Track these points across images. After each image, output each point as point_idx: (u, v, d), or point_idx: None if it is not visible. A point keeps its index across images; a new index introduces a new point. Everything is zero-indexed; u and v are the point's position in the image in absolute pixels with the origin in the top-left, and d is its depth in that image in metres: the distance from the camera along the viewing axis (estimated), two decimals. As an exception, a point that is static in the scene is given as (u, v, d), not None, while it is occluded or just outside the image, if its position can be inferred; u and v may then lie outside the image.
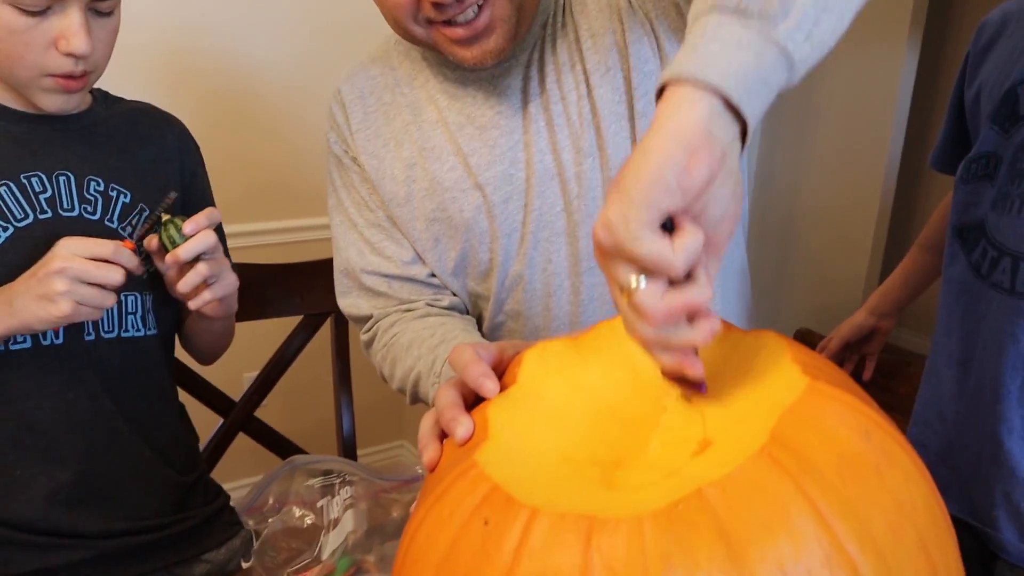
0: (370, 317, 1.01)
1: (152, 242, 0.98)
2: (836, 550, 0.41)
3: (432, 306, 0.98)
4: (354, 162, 0.99)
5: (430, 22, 0.81)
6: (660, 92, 0.51)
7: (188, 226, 0.95)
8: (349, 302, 1.03)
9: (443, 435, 0.58)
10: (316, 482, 0.95)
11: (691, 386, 0.52)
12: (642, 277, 0.47)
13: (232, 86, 2.02)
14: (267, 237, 2.13)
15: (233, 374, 1.84)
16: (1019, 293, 0.91)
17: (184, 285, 0.97)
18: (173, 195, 0.99)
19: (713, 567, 0.40)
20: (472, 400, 0.59)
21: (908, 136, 2.81)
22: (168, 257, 0.96)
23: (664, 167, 0.46)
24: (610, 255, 0.48)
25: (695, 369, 0.50)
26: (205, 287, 0.98)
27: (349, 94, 0.99)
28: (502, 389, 0.57)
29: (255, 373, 2.05)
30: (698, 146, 0.47)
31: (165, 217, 0.97)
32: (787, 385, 0.49)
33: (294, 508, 0.93)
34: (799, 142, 2.81)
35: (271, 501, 0.95)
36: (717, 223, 0.49)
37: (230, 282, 1.01)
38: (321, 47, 2.11)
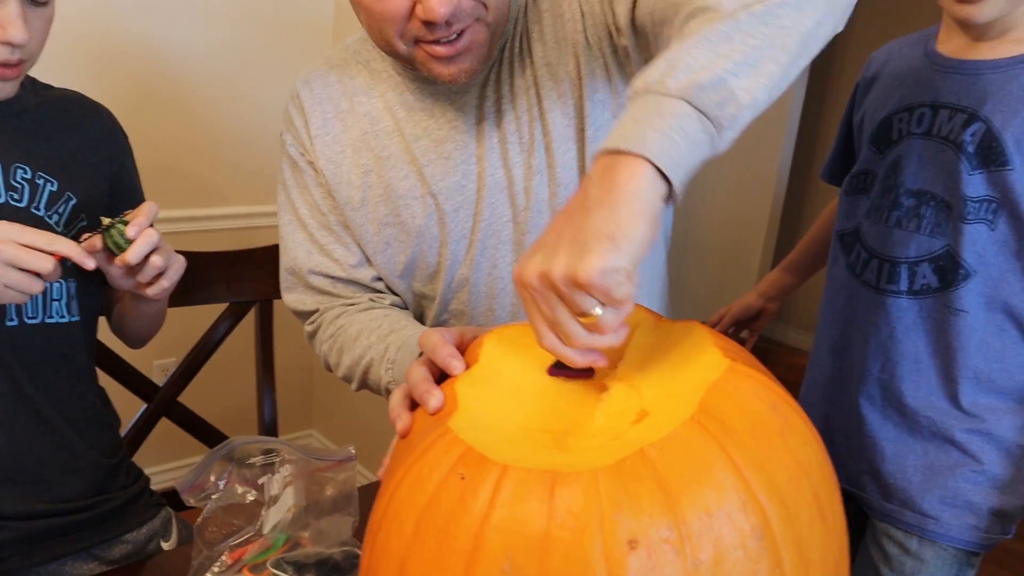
0: (315, 311, 1.05)
1: (96, 244, 0.98)
2: (750, 498, 0.51)
3: (374, 302, 1.03)
4: (310, 166, 1.03)
5: (415, 40, 0.85)
6: (609, 151, 0.60)
7: (131, 229, 0.96)
8: (294, 297, 1.07)
9: (412, 407, 0.66)
10: (257, 460, 0.99)
11: (581, 374, 0.64)
12: (599, 306, 0.57)
13: (155, 71, 2.00)
14: (192, 224, 2.12)
15: (144, 361, 1.84)
16: (882, 290, 1.06)
17: (144, 279, 0.99)
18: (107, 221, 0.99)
19: (655, 511, 0.49)
20: (438, 378, 0.66)
21: (797, 149, 3.02)
22: (117, 261, 0.97)
23: (646, 238, 0.57)
24: (582, 288, 0.56)
25: (599, 361, 0.61)
26: (160, 277, 1.00)
27: (308, 99, 1.02)
28: (466, 367, 0.65)
29: (168, 360, 2.04)
30: (656, 217, 0.58)
31: (106, 221, 0.97)
32: (710, 366, 0.58)
33: (236, 486, 0.97)
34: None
35: (212, 479, 0.99)
36: None
37: (179, 265, 1.03)
38: (243, 35, 2.11)
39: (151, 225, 0.99)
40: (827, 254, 1.22)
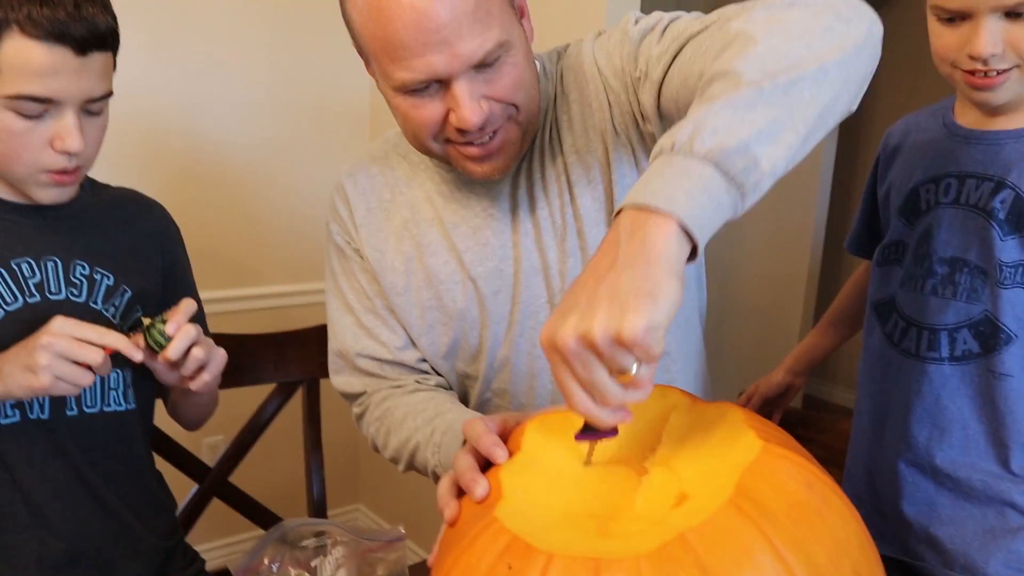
0: (362, 393, 1.09)
1: (139, 342, 1.01)
2: (790, 579, 0.52)
3: (420, 383, 1.07)
4: (356, 253, 1.07)
5: (448, 140, 0.90)
6: (637, 206, 0.62)
7: (170, 327, 1.00)
8: (342, 380, 1.11)
9: (459, 494, 0.68)
10: (310, 543, 1.02)
11: (607, 435, 0.65)
12: (636, 364, 0.59)
13: (201, 163, 2.10)
14: (235, 303, 2.19)
15: (193, 438, 1.89)
16: (923, 357, 1.06)
17: (187, 372, 1.02)
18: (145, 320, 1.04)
19: (697, 596, 0.51)
20: (483, 464, 0.69)
21: (831, 209, 3.03)
22: (159, 358, 1.01)
23: (678, 296, 0.58)
24: (624, 347, 0.57)
25: (627, 418, 0.62)
26: (202, 370, 1.04)
27: (352, 192, 1.07)
28: (509, 455, 0.67)
29: (216, 438, 2.09)
30: (682, 276, 0.60)
31: (147, 321, 1.01)
32: (745, 447, 0.60)
33: (290, 569, 1.00)
34: (730, 227, 3.01)
35: (266, 562, 1.01)
36: None
37: (220, 358, 1.06)
38: (282, 128, 2.21)
39: (191, 321, 1.02)
40: (861, 315, 1.22)
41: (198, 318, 1.07)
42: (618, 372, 0.59)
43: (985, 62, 0.93)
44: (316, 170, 2.27)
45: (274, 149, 2.20)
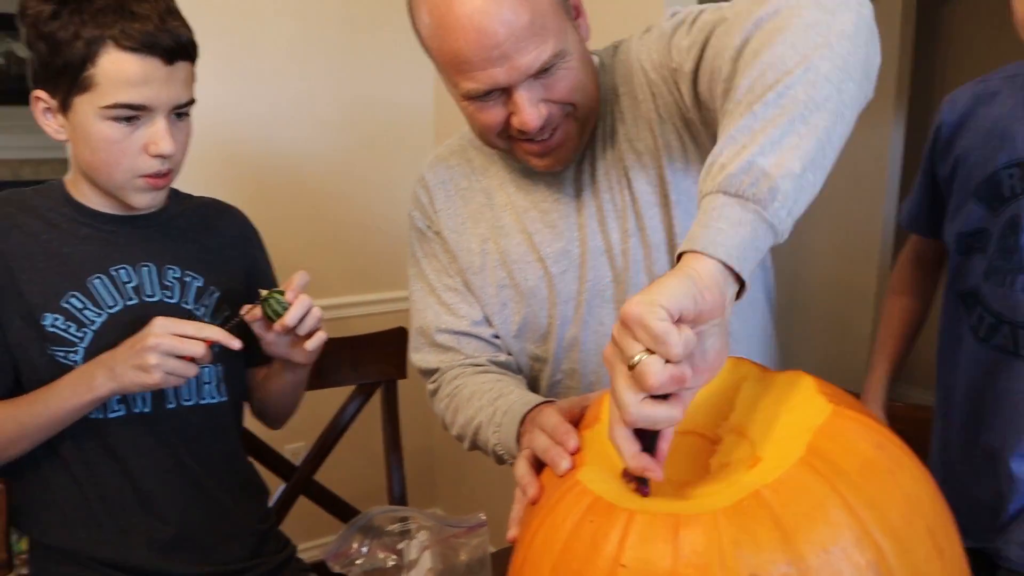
0: (437, 370, 1.15)
1: (256, 313, 1.10)
2: (864, 534, 0.54)
3: (493, 361, 1.12)
4: (437, 235, 1.15)
5: (511, 138, 0.98)
6: (679, 256, 0.66)
7: (289, 294, 1.09)
8: (420, 356, 1.17)
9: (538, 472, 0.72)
10: (395, 527, 1.06)
11: (640, 487, 0.63)
12: (645, 354, 0.59)
13: (272, 178, 2.19)
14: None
15: (276, 445, 1.96)
16: (1022, 356, 0.99)
17: (304, 331, 1.10)
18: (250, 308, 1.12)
19: (773, 548, 0.53)
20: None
21: (901, 200, 2.97)
22: (276, 326, 1.09)
23: (688, 287, 0.61)
24: (627, 327, 0.60)
25: (655, 472, 0.61)
26: (319, 329, 1.12)
27: (432, 181, 1.16)
28: (589, 425, 0.71)
29: (298, 445, 2.16)
30: (710, 286, 0.62)
31: (264, 293, 1.10)
32: (816, 411, 0.62)
33: (378, 552, 1.05)
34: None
35: (355, 546, 1.07)
36: (701, 359, 0.62)
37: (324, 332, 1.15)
38: (351, 141, 2.29)
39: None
40: (910, 348, 1.16)
41: None
42: (631, 368, 0.59)
43: None
44: (380, 183, 2.34)
45: (340, 164, 2.28)
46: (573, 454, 0.70)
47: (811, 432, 0.59)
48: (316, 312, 1.11)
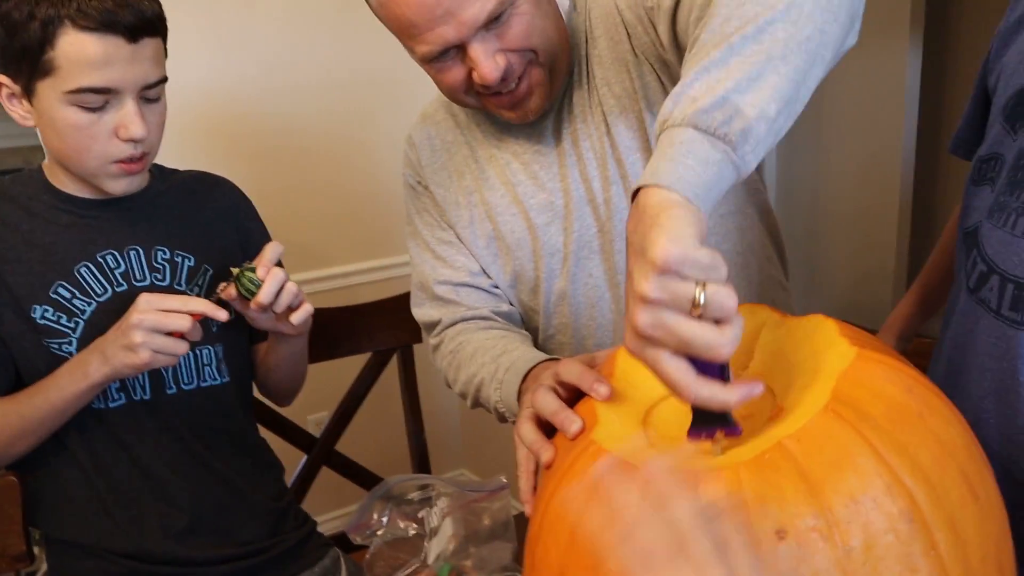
0: (439, 322, 1.13)
1: (231, 292, 1.07)
2: (894, 481, 0.52)
3: (496, 312, 1.10)
4: (426, 190, 1.14)
5: (479, 94, 0.96)
6: (638, 189, 0.63)
7: (260, 271, 1.06)
8: (422, 311, 1.16)
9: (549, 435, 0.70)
10: (416, 495, 1.05)
11: (730, 429, 0.57)
12: (700, 288, 0.55)
13: (275, 144, 2.16)
14: (307, 287, 2.25)
15: (299, 416, 1.96)
16: (1004, 317, 0.78)
17: (280, 308, 1.08)
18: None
19: (799, 500, 0.51)
20: (569, 400, 0.70)
21: (920, 129, 2.90)
22: (252, 304, 1.07)
23: (689, 216, 0.58)
24: (670, 271, 0.55)
25: (746, 390, 0.56)
26: (302, 302, 1.10)
27: (418, 137, 1.15)
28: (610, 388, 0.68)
29: (321, 415, 2.16)
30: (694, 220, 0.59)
31: (236, 270, 1.07)
32: (839, 355, 0.59)
33: (399, 521, 1.04)
34: (815, 149, 2.91)
35: (375, 517, 1.06)
36: None
37: (309, 305, 1.13)
38: (349, 101, 2.25)
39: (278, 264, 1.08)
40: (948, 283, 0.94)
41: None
42: (693, 309, 0.55)
43: None
44: (378, 148, 2.30)
45: (336, 131, 2.24)
46: (607, 400, 0.67)
47: (835, 378, 0.56)
48: (291, 287, 1.08)
